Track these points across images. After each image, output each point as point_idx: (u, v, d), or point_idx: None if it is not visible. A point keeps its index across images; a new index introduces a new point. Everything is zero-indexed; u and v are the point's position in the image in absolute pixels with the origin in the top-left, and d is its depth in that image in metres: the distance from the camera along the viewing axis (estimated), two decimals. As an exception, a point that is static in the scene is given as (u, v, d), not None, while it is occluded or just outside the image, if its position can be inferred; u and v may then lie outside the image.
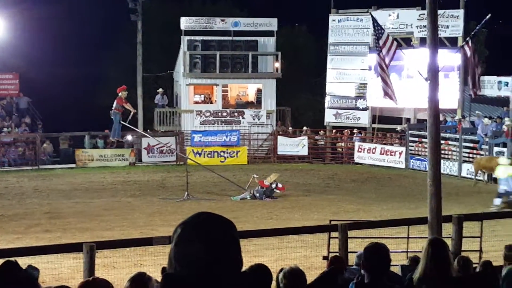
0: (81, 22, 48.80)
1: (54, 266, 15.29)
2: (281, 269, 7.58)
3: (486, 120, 35.50)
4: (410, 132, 38.84)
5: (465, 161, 35.72)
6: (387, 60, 16.14)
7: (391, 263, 6.51)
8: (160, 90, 44.47)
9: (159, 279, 2.91)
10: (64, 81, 48.94)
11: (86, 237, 19.94)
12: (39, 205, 28.28)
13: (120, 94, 31.29)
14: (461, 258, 9.30)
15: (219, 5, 55.81)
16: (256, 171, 32.47)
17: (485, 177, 33.36)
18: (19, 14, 42.39)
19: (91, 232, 22.28)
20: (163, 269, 2.90)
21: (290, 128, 44.10)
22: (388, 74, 16.49)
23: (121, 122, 31.73)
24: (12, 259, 5.08)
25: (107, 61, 53.79)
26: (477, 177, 33.64)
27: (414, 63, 21.45)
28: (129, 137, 39.93)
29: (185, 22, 43.02)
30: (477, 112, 38.01)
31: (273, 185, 30.05)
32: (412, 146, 38.40)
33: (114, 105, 31.26)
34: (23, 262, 5.03)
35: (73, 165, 38.65)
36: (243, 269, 2.93)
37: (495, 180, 29.76)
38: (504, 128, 34.29)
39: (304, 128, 43.40)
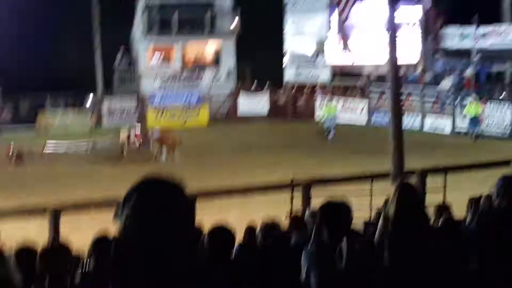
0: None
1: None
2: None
3: (445, 83, 35.20)
4: (370, 88, 38.83)
5: (427, 115, 35.78)
6: (344, 14, 16.03)
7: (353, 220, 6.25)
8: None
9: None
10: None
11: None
12: None
13: None
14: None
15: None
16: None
17: None
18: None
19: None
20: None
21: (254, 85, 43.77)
22: (346, 27, 16.38)
23: None
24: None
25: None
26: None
27: (374, 15, 21.23)
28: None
29: (142, -16, 42.43)
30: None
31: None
32: (374, 101, 38.42)
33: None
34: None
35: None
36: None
37: None
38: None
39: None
